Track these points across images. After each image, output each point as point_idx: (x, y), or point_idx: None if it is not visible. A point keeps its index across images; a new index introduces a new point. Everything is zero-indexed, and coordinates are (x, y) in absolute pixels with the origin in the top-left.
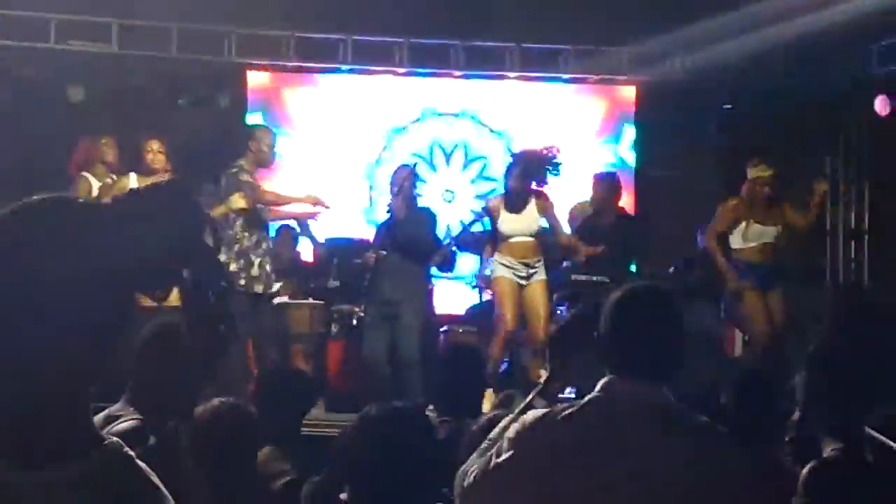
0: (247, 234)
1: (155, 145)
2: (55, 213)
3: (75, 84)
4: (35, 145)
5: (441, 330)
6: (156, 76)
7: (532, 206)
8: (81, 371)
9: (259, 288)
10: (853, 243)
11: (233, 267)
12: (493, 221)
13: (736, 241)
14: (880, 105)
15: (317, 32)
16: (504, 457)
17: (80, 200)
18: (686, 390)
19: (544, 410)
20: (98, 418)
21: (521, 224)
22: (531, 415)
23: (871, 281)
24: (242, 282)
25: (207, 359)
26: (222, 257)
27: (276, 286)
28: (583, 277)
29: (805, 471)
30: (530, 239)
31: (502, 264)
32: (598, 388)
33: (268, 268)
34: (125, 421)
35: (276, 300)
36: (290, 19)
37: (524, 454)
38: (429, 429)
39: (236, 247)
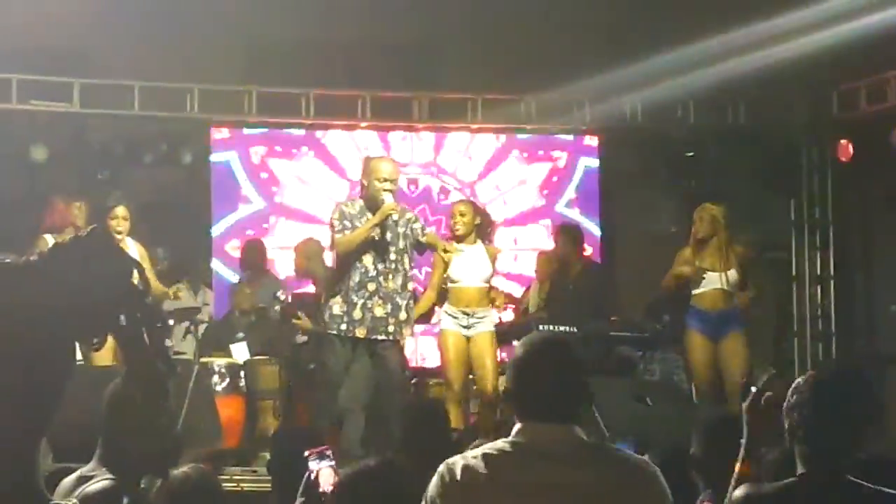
0: None
1: (120, 211)
2: None
3: (38, 144)
4: None
5: (412, 383)
6: (118, 134)
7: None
8: (25, 430)
9: None
10: (819, 288)
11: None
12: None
13: (692, 286)
14: (842, 149)
15: (278, 87)
16: None
17: (7, 261)
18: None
19: (462, 462)
20: (70, 479)
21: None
22: (450, 465)
23: (837, 325)
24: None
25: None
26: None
27: None
28: (549, 327)
29: (738, 492)
30: (482, 285)
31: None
32: (513, 434)
33: None
34: (98, 481)
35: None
36: (250, 74)
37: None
38: (401, 484)
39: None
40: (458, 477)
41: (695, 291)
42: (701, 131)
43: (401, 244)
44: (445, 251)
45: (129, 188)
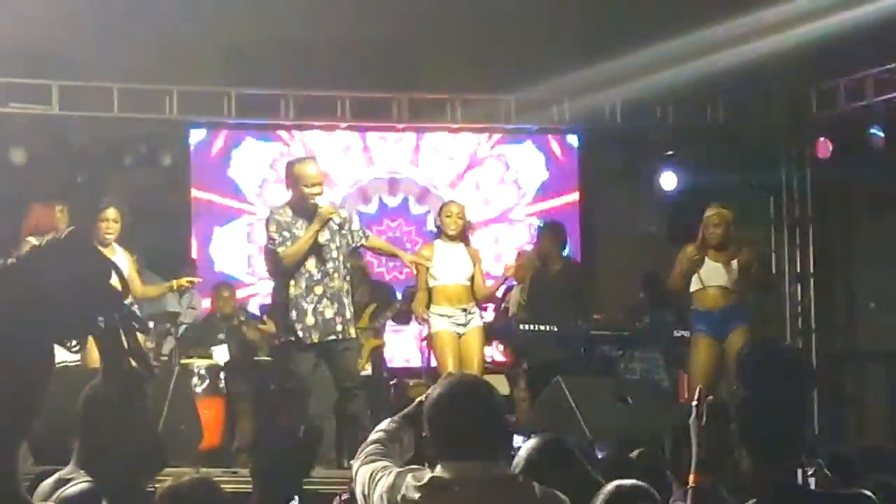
0: None
1: (111, 214)
2: None
3: (17, 146)
4: None
5: (391, 384)
6: (98, 136)
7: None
8: (4, 433)
9: None
10: (799, 285)
11: None
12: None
13: (693, 284)
14: (821, 147)
15: (258, 88)
16: None
17: None
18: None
19: (397, 486)
20: (48, 482)
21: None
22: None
23: (817, 324)
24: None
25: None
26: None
27: None
28: (530, 327)
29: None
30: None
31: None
32: (436, 472)
33: None
34: (76, 484)
35: None
36: (229, 75)
37: None
38: None
39: None
40: None
41: (694, 289)
42: (680, 130)
43: (338, 242)
44: (418, 262)
45: (108, 190)
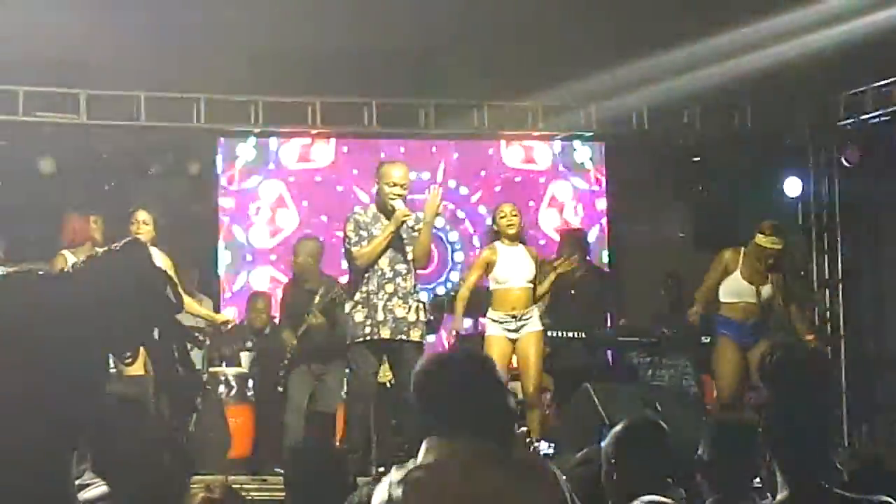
0: None
1: (141, 216)
2: (16, 288)
3: (45, 156)
4: (8, 218)
5: None
6: (125, 145)
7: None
8: (61, 437)
9: None
10: (827, 291)
11: None
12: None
13: (722, 294)
14: (849, 153)
15: (285, 96)
16: None
17: (40, 272)
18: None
19: (386, 489)
20: None
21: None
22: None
23: (845, 329)
24: None
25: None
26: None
27: None
28: (557, 333)
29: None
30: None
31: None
32: (421, 454)
33: None
34: (95, 488)
35: None
36: (256, 84)
37: None
38: None
39: None
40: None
41: (724, 300)
42: (707, 136)
43: (412, 245)
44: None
45: (136, 199)
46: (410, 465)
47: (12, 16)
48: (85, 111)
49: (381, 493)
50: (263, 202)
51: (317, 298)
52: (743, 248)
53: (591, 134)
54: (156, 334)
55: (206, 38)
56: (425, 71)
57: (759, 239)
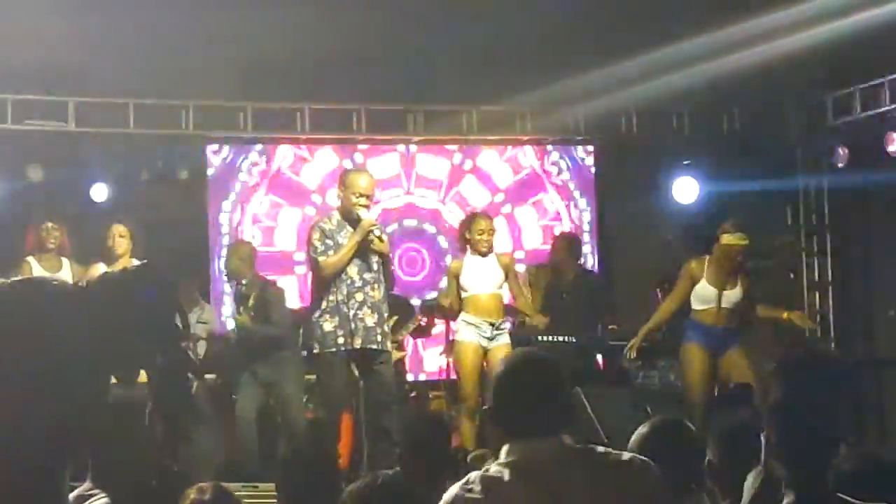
0: None
1: (117, 230)
2: (32, 294)
3: (33, 163)
4: None
5: (411, 396)
6: (114, 152)
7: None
8: (56, 453)
9: None
10: (817, 294)
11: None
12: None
13: (692, 301)
14: (838, 154)
15: (273, 101)
16: None
17: (56, 283)
18: None
19: (456, 491)
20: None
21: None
22: (446, 497)
23: (836, 330)
24: None
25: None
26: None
27: None
28: (548, 338)
29: None
30: (496, 292)
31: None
32: (503, 455)
33: None
34: (97, 500)
35: None
36: (245, 90)
37: None
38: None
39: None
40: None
41: (695, 307)
42: (696, 139)
43: (378, 255)
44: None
45: (125, 207)
46: (494, 466)
47: (0, 24)
48: (74, 119)
49: (453, 490)
50: (251, 208)
51: (251, 301)
52: (707, 256)
53: (581, 137)
54: (158, 360)
55: (194, 44)
56: (414, 77)
57: (726, 238)
